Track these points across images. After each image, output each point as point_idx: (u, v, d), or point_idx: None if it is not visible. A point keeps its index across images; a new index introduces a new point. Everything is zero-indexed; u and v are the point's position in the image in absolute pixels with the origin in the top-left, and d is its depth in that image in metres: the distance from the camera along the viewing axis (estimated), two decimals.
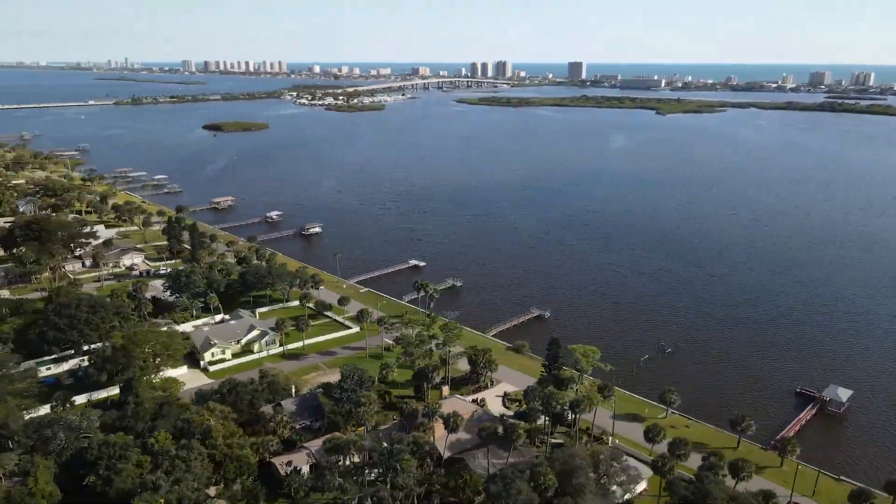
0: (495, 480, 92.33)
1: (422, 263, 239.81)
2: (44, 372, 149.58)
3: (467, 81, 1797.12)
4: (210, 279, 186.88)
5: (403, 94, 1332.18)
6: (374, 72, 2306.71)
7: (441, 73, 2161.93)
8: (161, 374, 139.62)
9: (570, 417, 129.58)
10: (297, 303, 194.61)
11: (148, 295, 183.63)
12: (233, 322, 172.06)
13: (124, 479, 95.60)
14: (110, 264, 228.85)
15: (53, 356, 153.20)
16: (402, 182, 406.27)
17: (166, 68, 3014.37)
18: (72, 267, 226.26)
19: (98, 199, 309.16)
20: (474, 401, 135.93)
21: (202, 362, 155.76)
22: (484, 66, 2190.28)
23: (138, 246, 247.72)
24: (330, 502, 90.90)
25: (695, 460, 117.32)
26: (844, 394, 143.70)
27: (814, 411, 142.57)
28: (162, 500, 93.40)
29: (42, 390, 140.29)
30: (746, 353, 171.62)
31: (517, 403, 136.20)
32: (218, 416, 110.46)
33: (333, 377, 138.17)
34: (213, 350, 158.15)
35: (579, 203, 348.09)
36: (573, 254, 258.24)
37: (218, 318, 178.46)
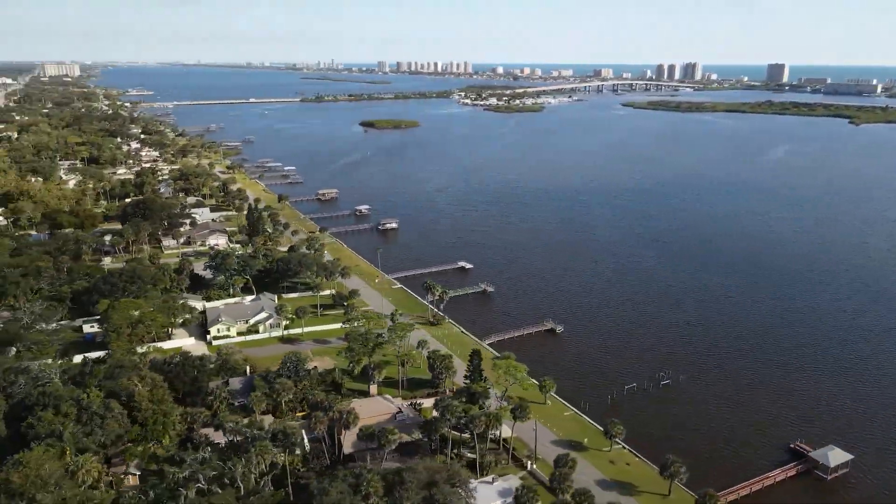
0: (322, 480, 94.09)
1: (469, 266, 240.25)
2: (87, 329, 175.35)
3: (646, 84, 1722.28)
4: (245, 262, 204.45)
5: (570, 97, 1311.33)
6: (555, 73, 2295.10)
7: (624, 74, 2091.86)
8: (150, 339, 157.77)
9: (496, 433, 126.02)
10: (328, 292, 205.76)
11: (198, 271, 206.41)
12: (248, 303, 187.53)
13: (43, 426, 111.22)
14: (198, 242, 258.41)
15: (96, 316, 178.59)
16: (508, 185, 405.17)
17: (364, 68, 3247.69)
18: (167, 242, 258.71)
19: (219, 185, 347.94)
20: (412, 404, 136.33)
21: (208, 336, 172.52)
22: (671, 67, 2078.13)
23: (228, 228, 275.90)
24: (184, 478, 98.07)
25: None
26: (837, 458, 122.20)
27: (793, 472, 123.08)
28: (66, 447, 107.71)
29: (79, 342, 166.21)
30: (757, 394, 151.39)
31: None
32: (148, 384, 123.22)
33: (322, 364, 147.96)
34: (219, 326, 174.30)
35: (689, 217, 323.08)
36: (634, 270, 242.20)
37: (238, 298, 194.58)
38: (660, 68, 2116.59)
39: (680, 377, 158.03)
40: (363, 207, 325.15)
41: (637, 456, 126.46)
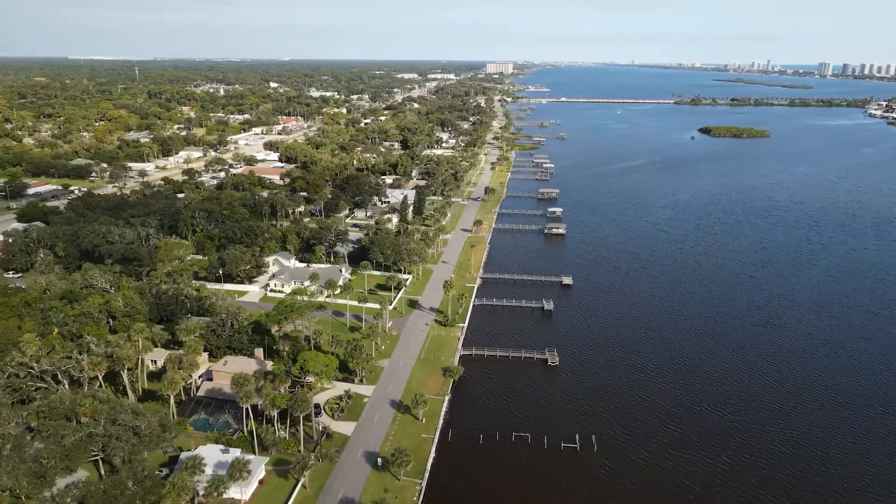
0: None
1: (569, 281, 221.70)
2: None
3: None
4: (342, 239, 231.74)
5: None
6: None
7: None
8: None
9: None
10: (407, 276, 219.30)
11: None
12: (322, 269, 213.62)
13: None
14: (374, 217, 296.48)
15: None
16: (761, 207, 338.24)
17: (801, 71, 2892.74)
18: (359, 213, 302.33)
19: (452, 173, 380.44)
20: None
21: (267, 288, 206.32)
22: None
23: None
24: None
25: None
26: None
27: None
28: (55, 331, 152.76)
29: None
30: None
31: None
32: (129, 302, 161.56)
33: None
34: (275, 282, 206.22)
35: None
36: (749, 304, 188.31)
37: (324, 265, 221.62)
38: None
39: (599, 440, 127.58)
40: (558, 210, 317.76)
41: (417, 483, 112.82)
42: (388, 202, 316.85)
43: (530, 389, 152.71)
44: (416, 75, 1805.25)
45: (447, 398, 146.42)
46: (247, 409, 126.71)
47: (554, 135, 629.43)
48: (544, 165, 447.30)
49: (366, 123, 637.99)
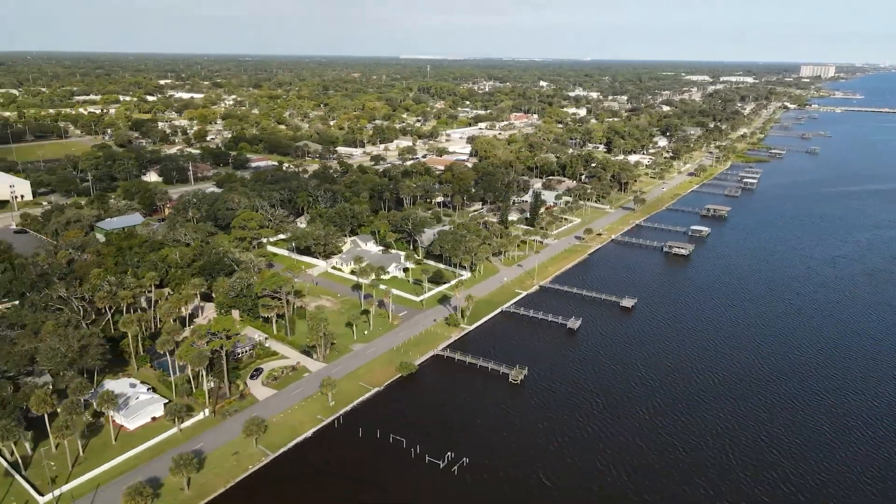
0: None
1: (629, 304, 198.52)
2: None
3: None
4: (418, 230, 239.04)
5: None
6: None
7: None
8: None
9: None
10: (464, 274, 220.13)
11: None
12: (380, 254, 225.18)
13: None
14: None
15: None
16: None
17: None
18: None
19: (616, 181, 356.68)
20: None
21: (329, 264, 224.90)
22: None
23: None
24: None
25: None
26: None
27: None
28: (129, 271, 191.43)
29: None
30: None
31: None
32: (184, 256, 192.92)
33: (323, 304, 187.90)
34: (336, 259, 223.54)
35: None
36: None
37: (374, 252, 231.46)
38: None
39: None
40: (703, 230, 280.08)
41: None
42: (524, 201, 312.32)
43: (469, 400, 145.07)
44: (706, 77, 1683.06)
45: (376, 390, 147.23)
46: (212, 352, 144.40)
47: (804, 149, 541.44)
48: (746, 181, 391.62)
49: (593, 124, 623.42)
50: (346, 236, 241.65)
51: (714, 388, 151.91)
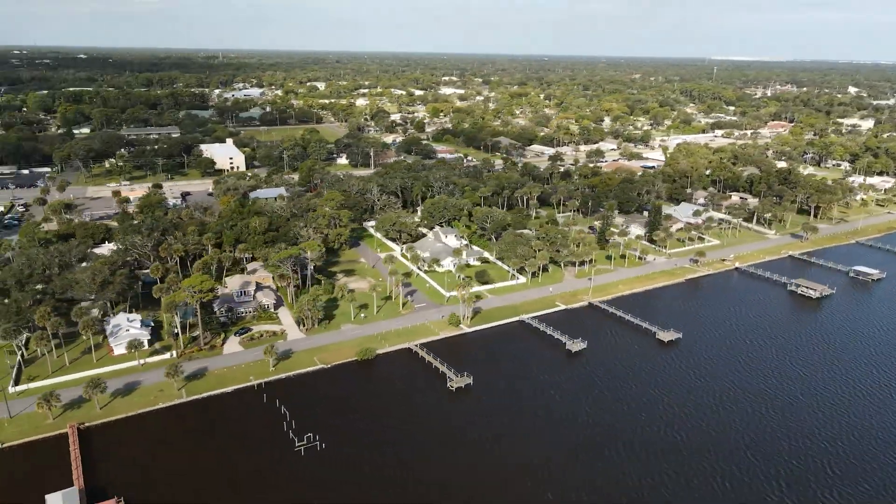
0: None
1: (671, 337, 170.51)
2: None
3: None
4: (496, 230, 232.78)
5: None
6: None
7: None
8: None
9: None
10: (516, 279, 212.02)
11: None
12: (442, 246, 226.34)
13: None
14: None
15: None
16: None
17: None
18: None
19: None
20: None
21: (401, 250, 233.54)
22: None
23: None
24: None
25: None
26: None
27: None
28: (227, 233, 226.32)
29: None
30: None
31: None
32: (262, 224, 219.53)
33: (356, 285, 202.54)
34: (406, 246, 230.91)
35: None
36: None
37: (440, 246, 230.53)
38: None
39: None
40: (871, 272, 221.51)
41: None
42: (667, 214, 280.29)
43: (391, 394, 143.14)
44: None
45: (321, 366, 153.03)
46: (199, 305, 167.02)
47: None
48: None
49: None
50: (439, 226, 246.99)
51: None
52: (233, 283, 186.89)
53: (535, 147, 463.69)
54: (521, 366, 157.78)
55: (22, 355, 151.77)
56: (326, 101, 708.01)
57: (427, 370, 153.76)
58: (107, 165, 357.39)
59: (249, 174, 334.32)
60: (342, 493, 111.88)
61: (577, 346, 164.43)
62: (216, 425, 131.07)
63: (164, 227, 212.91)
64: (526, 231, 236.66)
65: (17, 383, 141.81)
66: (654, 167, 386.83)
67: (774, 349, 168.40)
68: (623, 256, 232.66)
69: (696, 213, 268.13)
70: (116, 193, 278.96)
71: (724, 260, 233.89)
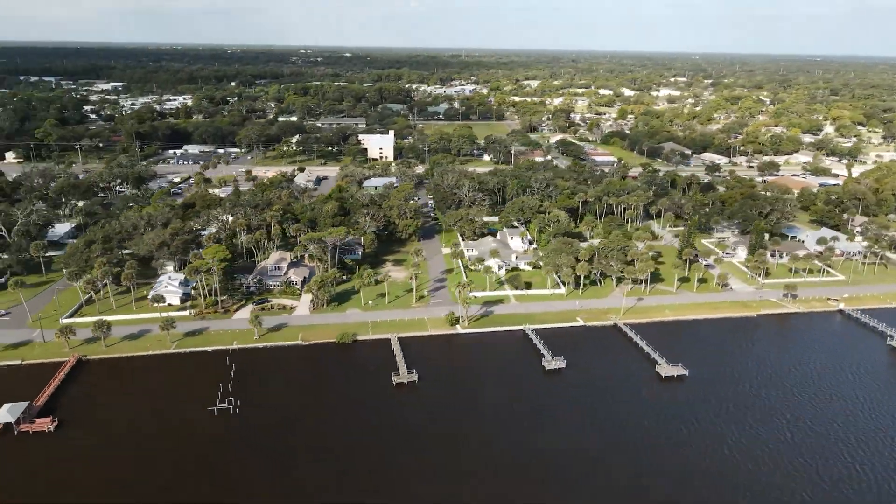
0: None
1: (673, 372, 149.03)
2: None
3: None
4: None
5: None
6: None
7: None
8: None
9: None
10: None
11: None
12: (494, 246, 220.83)
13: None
14: None
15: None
16: None
17: None
18: None
19: None
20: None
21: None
22: None
23: None
24: None
25: None
26: None
27: None
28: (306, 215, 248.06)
29: None
30: None
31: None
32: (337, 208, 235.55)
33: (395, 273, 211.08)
34: (468, 243, 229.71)
35: None
36: None
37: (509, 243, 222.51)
38: None
39: None
40: None
41: None
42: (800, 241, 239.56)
43: (335, 377, 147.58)
44: None
45: (299, 343, 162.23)
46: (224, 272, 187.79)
47: None
48: None
49: None
50: (508, 227, 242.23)
51: None
52: (273, 258, 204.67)
53: (707, 155, 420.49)
54: (482, 372, 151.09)
55: (90, 297, 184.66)
56: (518, 99, 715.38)
57: (387, 361, 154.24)
58: (280, 149, 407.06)
59: (397, 162, 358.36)
60: (236, 449, 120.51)
61: (555, 364, 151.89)
62: (174, 377, 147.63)
63: (256, 204, 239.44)
64: (585, 243, 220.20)
65: (70, 317, 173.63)
66: (832, 185, 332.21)
67: (810, 408, 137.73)
68: (703, 280, 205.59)
69: (821, 241, 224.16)
70: (248, 173, 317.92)
71: (829, 299, 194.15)
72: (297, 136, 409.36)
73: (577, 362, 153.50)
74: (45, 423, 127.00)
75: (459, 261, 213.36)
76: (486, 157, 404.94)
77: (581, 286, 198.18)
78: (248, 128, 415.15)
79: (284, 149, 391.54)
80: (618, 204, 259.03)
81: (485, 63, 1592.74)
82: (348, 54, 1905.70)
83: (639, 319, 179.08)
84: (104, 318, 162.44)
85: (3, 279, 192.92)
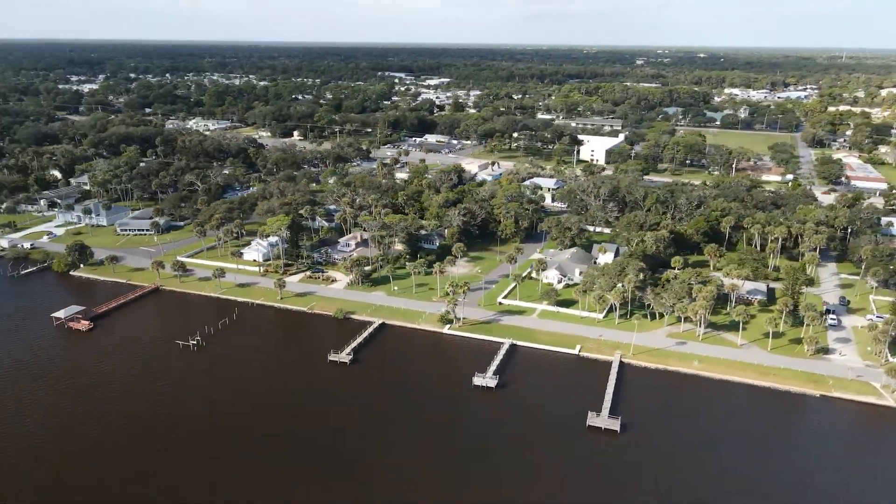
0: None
1: (605, 425, 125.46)
2: None
3: None
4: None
5: None
6: None
7: None
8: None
9: None
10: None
11: None
12: (568, 256, 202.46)
13: None
14: None
15: None
16: None
17: None
18: None
19: None
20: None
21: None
22: None
23: None
24: None
25: None
26: None
27: None
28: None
29: None
30: None
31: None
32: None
33: (457, 270, 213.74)
34: (540, 256, 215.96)
35: None
36: None
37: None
38: None
39: None
40: None
41: None
42: None
43: (301, 353, 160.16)
44: None
45: (305, 309, 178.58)
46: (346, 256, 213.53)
47: None
48: None
49: None
50: (608, 242, 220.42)
51: None
52: (349, 236, 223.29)
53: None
54: (411, 372, 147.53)
55: (213, 246, 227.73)
56: (843, 109, 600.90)
57: (343, 340, 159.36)
58: (492, 144, 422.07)
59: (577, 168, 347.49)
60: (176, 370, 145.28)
61: (484, 381, 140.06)
62: (186, 312, 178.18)
63: (387, 188, 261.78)
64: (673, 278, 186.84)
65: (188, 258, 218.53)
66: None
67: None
68: (798, 341, 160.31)
69: None
70: (421, 161, 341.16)
71: None
72: (515, 133, 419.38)
73: (514, 385, 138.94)
74: (85, 325, 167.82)
75: (509, 265, 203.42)
76: (708, 171, 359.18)
77: (629, 314, 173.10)
78: (466, 121, 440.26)
79: (495, 143, 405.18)
80: (785, 236, 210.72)
81: (847, 65, 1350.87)
82: (702, 55, 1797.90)
83: (647, 363, 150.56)
84: (182, 258, 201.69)
85: (182, 223, 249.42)
